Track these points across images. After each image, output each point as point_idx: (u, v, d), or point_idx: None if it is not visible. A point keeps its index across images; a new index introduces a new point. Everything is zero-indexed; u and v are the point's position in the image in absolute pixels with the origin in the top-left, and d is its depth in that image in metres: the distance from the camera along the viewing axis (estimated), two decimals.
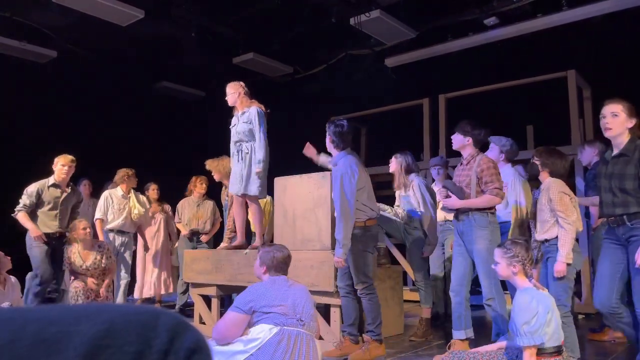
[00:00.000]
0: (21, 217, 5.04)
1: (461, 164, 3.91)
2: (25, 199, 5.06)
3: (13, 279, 5.03)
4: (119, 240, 5.95)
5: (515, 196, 4.35)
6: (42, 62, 7.45)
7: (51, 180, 5.12)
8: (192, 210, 6.27)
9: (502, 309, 3.66)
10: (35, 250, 5.00)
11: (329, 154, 4.28)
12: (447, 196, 3.82)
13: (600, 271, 3.20)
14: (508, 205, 4.37)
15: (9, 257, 4.89)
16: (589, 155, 4.70)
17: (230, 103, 4.75)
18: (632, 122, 3.05)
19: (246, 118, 4.61)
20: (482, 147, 4.01)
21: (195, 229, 6.20)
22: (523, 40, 6.89)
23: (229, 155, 5.01)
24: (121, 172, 6.11)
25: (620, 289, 3.11)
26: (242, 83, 4.78)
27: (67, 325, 0.53)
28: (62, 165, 5.14)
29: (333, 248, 4.13)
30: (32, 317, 0.54)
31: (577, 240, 3.45)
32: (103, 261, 5.04)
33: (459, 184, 3.80)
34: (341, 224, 3.75)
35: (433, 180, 5.59)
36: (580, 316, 5.58)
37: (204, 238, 6.21)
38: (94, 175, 6.41)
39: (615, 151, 3.12)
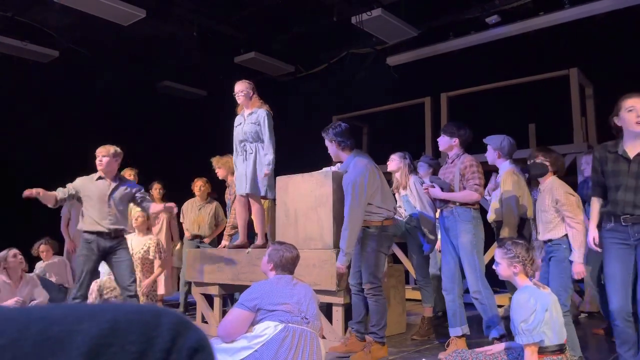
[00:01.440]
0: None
1: (446, 163, 4.05)
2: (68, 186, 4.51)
3: (29, 275, 5.07)
4: None
5: (502, 192, 4.31)
6: (44, 62, 7.46)
7: (98, 173, 4.54)
8: (194, 213, 6.27)
9: (489, 301, 3.70)
10: (82, 254, 4.40)
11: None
12: (432, 186, 3.95)
13: (611, 274, 3.05)
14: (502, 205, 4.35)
15: (22, 257, 4.92)
16: None
17: (239, 101, 4.71)
18: None
19: (254, 119, 4.58)
20: (467, 147, 4.07)
21: (195, 233, 6.21)
22: (525, 38, 6.88)
23: (232, 153, 5.00)
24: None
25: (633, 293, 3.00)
26: (251, 82, 4.76)
27: (70, 324, 0.53)
28: (96, 155, 4.53)
29: (335, 247, 4.14)
30: (35, 316, 0.54)
31: None
32: (154, 254, 5.29)
33: (442, 177, 3.95)
34: (346, 232, 3.73)
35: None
36: (582, 314, 5.57)
37: (206, 241, 6.22)
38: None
39: (638, 148, 2.98)
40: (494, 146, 4.38)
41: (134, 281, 4.44)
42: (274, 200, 4.80)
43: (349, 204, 3.74)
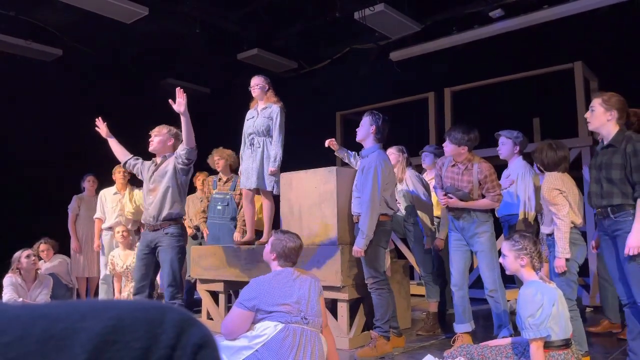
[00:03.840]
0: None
1: (453, 165, 3.93)
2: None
3: (43, 276, 5.10)
4: None
5: (524, 189, 4.34)
6: (48, 61, 7.48)
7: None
8: (196, 206, 6.26)
9: (503, 301, 3.74)
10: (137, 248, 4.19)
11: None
12: (450, 197, 3.88)
13: (609, 265, 3.21)
14: (518, 198, 4.36)
15: (35, 258, 4.95)
16: None
17: (255, 95, 4.72)
18: (612, 115, 3.04)
19: (267, 113, 4.60)
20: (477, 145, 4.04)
21: (198, 224, 6.19)
22: (529, 32, 6.84)
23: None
24: (114, 169, 6.05)
25: None
26: (267, 77, 4.79)
27: (74, 321, 0.53)
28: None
29: (340, 243, 4.14)
30: (39, 314, 0.54)
31: (581, 233, 3.44)
32: None
33: (452, 184, 3.86)
34: (367, 215, 3.76)
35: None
36: (588, 309, 5.56)
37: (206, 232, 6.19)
38: (100, 172, 6.40)
39: (605, 143, 3.13)
40: (513, 138, 4.38)
41: (171, 285, 3.87)
42: (278, 196, 4.81)
43: (370, 187, 3.77)
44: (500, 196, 3.80)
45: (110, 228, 5.96)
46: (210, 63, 8.50)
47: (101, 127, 4.31)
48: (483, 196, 3.79)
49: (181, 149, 3.97)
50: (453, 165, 3.93)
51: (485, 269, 3.77)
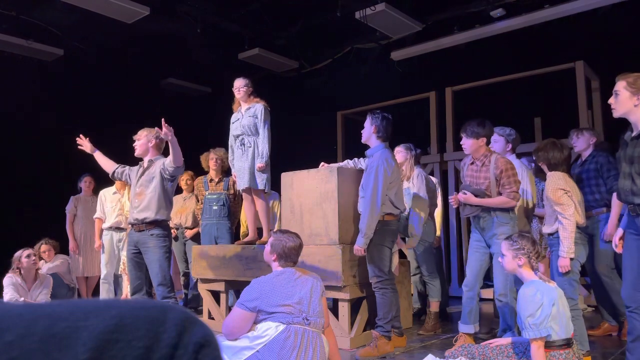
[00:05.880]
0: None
1: (472, 163, 3.87)
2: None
3: (44, 275, 5.10)
4: (116, 237, 5.97)
5: (523, 186, 4.32)
6: (49, 60, 7.48)
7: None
8: (178, 205, 6.20)
9: (511, 305, 3.70)
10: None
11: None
12: (464, 193, 3.82)
13: (624, 264, 3.01)
14: None
15: (35, 258, 4.96)
16: (583, 142, 4.36)
17: (239, 96, 4.79)
18: (639, 99, 2.81)
19: (252, 113, 4.70)
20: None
21: (177, 223, 6.12)
22: (530, 31, 6.83)
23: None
24: None
25: None
26: (250, 80, 4.86)
27: (76, 320, 0.53)
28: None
29: (341, 242, 4.14)
30: (42, 313, 0.55)
31: (581, 232, 3.43)
32: None
33: (471, 182, 3.81)
34: (366, 214, 3.78)
35: None
36: (589, 309, 5.55)
37: (188, 233, 6.11)
38: (99, 172, 6.39)
39: (635, 132, 2.85)
40: (506, 135, 4.35)
41: (162, 284, 3.97)
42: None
43: (372, 186, 3.79)
44: (517, 194, 3.65)
45: (110, 227, 5.97)
46: (211, 63, 8.50)
47: (84, 144, 4.33)
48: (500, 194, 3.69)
49: (169, 164, 4.08)
50: (472, 163, 3.87)
51: (498, 272, 3.69)
